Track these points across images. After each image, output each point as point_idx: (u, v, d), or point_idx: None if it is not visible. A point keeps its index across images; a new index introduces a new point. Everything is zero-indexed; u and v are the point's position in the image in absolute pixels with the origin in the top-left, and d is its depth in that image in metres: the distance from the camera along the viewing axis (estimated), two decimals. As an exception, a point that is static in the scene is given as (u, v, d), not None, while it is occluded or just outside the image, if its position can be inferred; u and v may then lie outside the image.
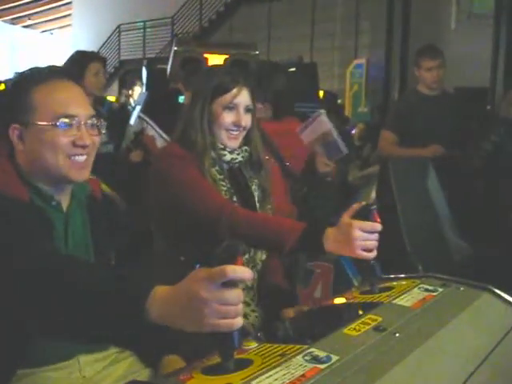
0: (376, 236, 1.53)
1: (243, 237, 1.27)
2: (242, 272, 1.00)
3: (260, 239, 1.70)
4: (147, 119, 3.62)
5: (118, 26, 17.14)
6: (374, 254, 1.53)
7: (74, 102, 1.40)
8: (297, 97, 4.11)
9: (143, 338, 1.25)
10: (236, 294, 1.00)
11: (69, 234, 1.43)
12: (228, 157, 1.90)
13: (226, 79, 1.88)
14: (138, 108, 5.11)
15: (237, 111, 1.87)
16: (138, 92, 8.50)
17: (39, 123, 1.37)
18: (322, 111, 2.83)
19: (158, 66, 8.42)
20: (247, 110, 1.90)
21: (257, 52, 6.67)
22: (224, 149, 1.89)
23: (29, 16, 22.50)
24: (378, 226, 1.52)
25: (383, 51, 11.35)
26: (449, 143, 3.58)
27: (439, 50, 3.86)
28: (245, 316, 1.81)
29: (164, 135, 3.40)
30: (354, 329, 1.20)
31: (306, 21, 12.71)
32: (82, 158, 1.40)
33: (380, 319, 1.25)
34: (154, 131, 3.50)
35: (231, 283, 0.99)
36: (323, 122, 2.76)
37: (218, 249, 1.03)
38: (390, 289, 1.49)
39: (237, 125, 1.87)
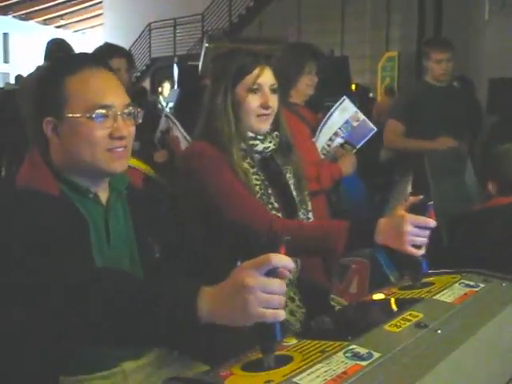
0: (427, 233, 1.47)
1: (293, 249, 1.25)
2: (285, 260, 1.02)
3: (310, 249, 1.64)
4: (173, 118, 3.54)
5: (149, 24, 17.25)
6: (422, 251, 1.47)
7: (108, 91, 1.33)
8: (328, 91, 4.08)
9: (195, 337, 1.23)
10: (279, 283, 1.01)
11: (110, 228, 1.36)
12: (260, 146, 1.81)
13: (246, 60, 1.79)
14: (170, 105, 5.13)
15: (262, 92, 1.77)
16: (167, 89, 8.55)
17: (74, 115, 1.29)
18: (344, 97, 2.94)
19: (188, 62, 8.45)
20: (272, 90, 1.80)
21: (288, 46, 6.61)
22: (255, 138, 1.80)
23: (61, 16, 22.84)
24: (433, 223, 1.46)
25: (415, 44, 11.18)
26: (457, 134, 3.56)
27: (450, 43, 3.82)
28: (291, 313, 1.76)
29: (188, 137, 3.33)
30: (395, 325, 1.18)
31: (336, 14, 12.59)
32: (120, 149, 1.34)
33: (421, 315, 1.23)
34: (178, 132, 3.42)
35: (275, 273, 1.01)
36: (348, 106, 2.88)
37: (261, 239, 1.04)
38: (429, 284, 1.46)
39: (265, 106, 1.77)
